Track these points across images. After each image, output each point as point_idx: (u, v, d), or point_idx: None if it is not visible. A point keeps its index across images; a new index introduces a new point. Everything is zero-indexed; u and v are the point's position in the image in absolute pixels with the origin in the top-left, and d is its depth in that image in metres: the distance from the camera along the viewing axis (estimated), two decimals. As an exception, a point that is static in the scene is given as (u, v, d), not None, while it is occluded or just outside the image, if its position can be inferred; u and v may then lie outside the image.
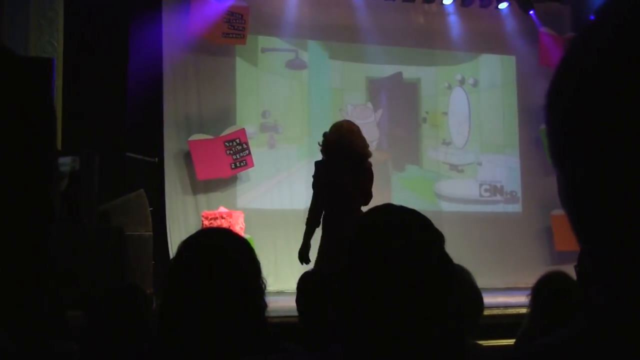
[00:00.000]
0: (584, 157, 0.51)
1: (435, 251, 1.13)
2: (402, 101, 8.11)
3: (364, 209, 3.83)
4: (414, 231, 1.12)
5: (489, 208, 8.17)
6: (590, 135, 0.49)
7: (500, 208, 8.22)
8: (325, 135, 3.96)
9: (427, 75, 8.22)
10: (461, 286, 1.86)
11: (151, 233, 5.21)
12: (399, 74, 8.14)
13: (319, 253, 3.82)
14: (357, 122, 4.02)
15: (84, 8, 6.40)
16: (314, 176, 3.96)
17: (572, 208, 0.53)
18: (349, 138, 3.84)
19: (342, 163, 3.84)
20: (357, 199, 3.81)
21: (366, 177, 3.89)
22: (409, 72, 8.17)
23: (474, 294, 1.93)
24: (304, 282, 2.70)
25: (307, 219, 3.95)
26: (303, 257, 3.90)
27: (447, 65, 8.28)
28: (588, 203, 0.51)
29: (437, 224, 1.19)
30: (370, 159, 4.01)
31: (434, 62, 8.24)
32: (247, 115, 7.56)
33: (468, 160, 8.21)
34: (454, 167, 8.16)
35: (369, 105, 7.98)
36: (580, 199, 0.52)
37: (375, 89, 8.04)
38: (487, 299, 1.95)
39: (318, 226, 3.95)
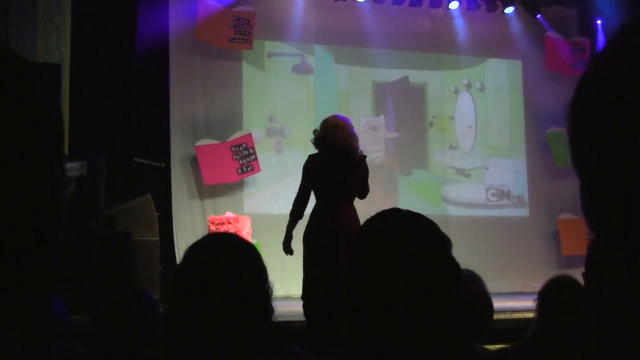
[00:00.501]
0: (612, 165, 0.50)
1: (441, 256, 1.13)
2: (408, 105, 8.11)
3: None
4: (420, 235, 1.12)
5: (496, 212, 8.16)
6: (620, 143, 0.49)
7: (507, 212, 8.20)
8: (314, 131, 4.15)
9: (433, 80, 8.22)
10: (471, 291, 1.85)
11: (158, 238, 5.22)
12: (406, 78, 8.14)
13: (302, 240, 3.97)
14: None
15: (91, 12, 6.42)
16: (303, 169, 4.11)
17: (594, 215, 0.53)
18: (332, 133, 3.99)
19: (330, 157, 3.98)
20: (346, 192, 3.96)
21: (358, 170, 4.01)
22: (416, 76, 8.17)
23: (484, 300, 1.92)
24: (309, 288, 2.67)
25: (291, 210, 4.09)
26: (286, 248, 4.07)
27: (454, 69, 8.27)
28: (614, 210, 0.51)
29: (444, 228, 1.18)
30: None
31: (440, 66, 8.24)
32: (254, 119, 7.57)
33: (475, 164, 8.19)
34: (460, 172, 8.15)
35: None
36: (605, 207, 0.52)
37: (382, 93, 8.04)
38: (495, 303, 1.94)
39: (301, 218, 4.09)
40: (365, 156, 4.10)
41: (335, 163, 3.97)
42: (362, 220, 1.33)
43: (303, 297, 3.93)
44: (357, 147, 4.04)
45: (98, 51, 6.58)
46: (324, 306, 3.30)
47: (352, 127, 4.08)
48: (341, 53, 7.90)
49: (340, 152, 3.98)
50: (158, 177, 6.73)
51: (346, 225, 3.85)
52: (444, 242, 1.14)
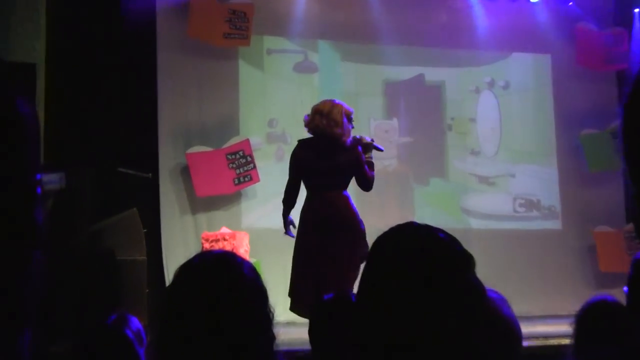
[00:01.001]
0: None
1: (463, 275, 1.13)
2: (424, 107, 8.11)
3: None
4: (439, 253, 1.11)
5: (524, 225, 8.14)
6: None
7: (537, 225, 8.18)
8: (305, 116, 4.65)
9: (451, 78, 8.23)
10: (496, 314, 1.84)
11: (145, 257, 5.24)
12: (420, 76, 8.16)
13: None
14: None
15: (69, 8, 6.44)
16: (290, 155, 4.65)
17: None
18: (313, 119, 4.49)
19: (314, 144, 4.47)
20: (332, 181, 4.41)
21: (345, 157, 4.43)
22: (432, 74, 8.18)
23: (511, 324, 1.91)
24: (317, 313, 2.69)
25: (283, 198, 4.70)
26: (286, 231, 4.75)
27: (474, 66, 8.28)
28: None
29: (465, 243, 1.18)
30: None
31: (459, 63, 8.23)
32: (252, 124, 7.58)
33: (499, 171, 8.19)
34: (483, 180, 8.15)
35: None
36: None
37: (394, 94, 8.04)
38: (524, 329, 1.92)
39: (293, 207, 4.66)
40: (357, 142, 4.48)
41: (317, 150, 4.42)
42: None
43: (290, 293, 4.49)
44: (339, 133, 4.41)
45: (78, 49, 6.59)
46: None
47: (339, 113, 4.46)
48: (348, 49, 7.90)
49: (323, 140, 4.42)
50: (145, 189, 6.71)
51: (335, 215, 4.30)
52: (466, 260, 1.14)
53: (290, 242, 6.94)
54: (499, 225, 8.04)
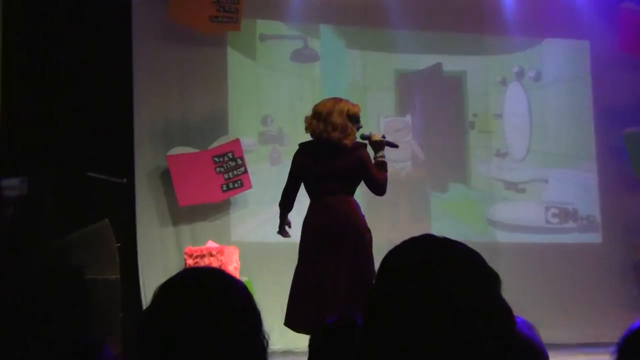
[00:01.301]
0: None
1: (487, 297, 1.12)
2: (442, 101, 8.11)
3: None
4: (459, 270, 1.11)
5: (558, 238, 8.14)
6: None
7: (573, 238, 8.18)
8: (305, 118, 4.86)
9: (474, 68, 8.22)
10: (523, 342, 1.84)
11: (118, 276, 5.24)
12: (438, 66, 8.16)
13: None
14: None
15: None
16: (292, 158, 4.88)
17: None
18: (310, 122, 4.72)
19: (313, 148, 4.72)
20: (333, 185, 4.62)
21: (346, 160, 4.63)
22: (451, 63, 8.17)
23: (539, 354, 1.91)
24: (317, 339, 2.69)
25: (279, 201, 4.94)
26: (281, 233, 5.03)
27: (501, 54, 8.28)
28: None
29: (490, 259, 1.18)
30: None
31: (483, 50, 8.25)
32: (243, 122, 7.58)
33: (530, 176, 8.17)
34: (511, 186, 8.14)
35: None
36: None
37: (407, 86, 8.04)
38: (557, 358, 1.92)
39: (290, 210, 4.92)
40: (361, 144, 4.72)
41: (317, 155, 4.68)
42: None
43: (287, 306, 4.68)
44: (338, 138, 4.62)
45: (39, 37, 6.60)
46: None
47: (340, 114, 4.66)
48: (354, 35, 7.90)
49: (322, 143, 4.66)
50: (119, 197, 6.71)
51: (335, 222, 4.52)
52: (491, 279, 1.14)
53: (288, 259, 7.02)
54: (529, 239, 8.03)
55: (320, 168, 4.67)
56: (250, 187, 7.29)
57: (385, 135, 4.93)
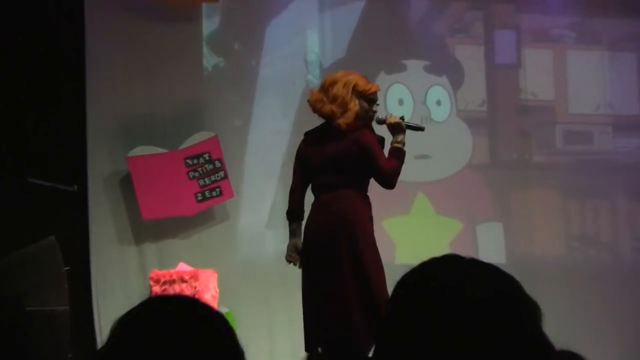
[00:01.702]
0: None
1: (525, 331, 1.13)
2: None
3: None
4: (491, 299, 1.13)
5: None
6: None
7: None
8: None
9: None
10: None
11: (67, 307, 5.24)
12: None
13: None
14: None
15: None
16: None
17: None
18: (313, 96, 4.86)
19: (319, 135, 4.83)
20: (332, 177, 4.69)
21: (344, 145, 4.69)
22: None
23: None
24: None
25: (286, 210, 4.99)
26: (288, 257, 4.99)
27: None
28: None
29: (524, 279, 1.16)
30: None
31: None
32: (222, 115, 7.52)
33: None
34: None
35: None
36: None
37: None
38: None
39: (299, 219, 4.94)
40: (385, 120, 4.78)
41: (316, 139, 4.80)
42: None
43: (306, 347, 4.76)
44: (332, 112, 4.69)
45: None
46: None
47: (343, 86, 4.73)
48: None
49: (323, 125, 4.80)
50: (68, 208, 6.68)
51: (329, 222, 4.60)
52: (529, 311, 1.14)
53: (278, 285, 7.08)
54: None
55: (316, 157, 4.80)
56: (231, 195, 7.22)
57: (404, 116, 4.94)
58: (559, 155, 8.19)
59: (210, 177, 7.21)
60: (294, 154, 5.17)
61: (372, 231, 4.79)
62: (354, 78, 4.78)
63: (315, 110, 4.78)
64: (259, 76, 7.62)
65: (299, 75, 7.64)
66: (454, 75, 7.92)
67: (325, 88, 4.76)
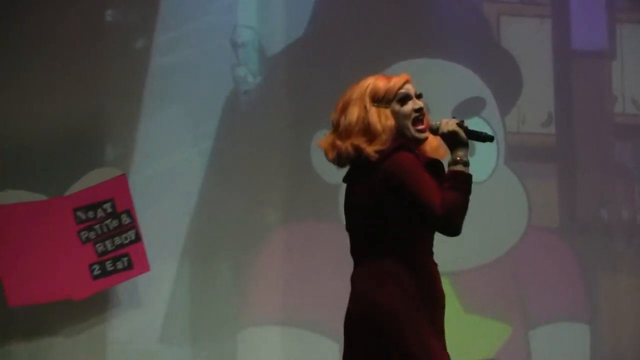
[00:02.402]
0: None
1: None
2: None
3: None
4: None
5: None
6: None
7: None
8: None
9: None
10: None
11: None
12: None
13: None
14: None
15: None
16: None
17: None
18: (323, 144, 4.17)
19: (355, 173, 4.17)
20: (360, 240, 3.93)
21: (367, 189, 3.97)
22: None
23: None
24: None
25: None
26: None
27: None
28: None
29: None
30: None
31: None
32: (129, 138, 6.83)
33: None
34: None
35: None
36: None
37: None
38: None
39: None
40: (437, 130, 3.93)
41: (349, 186, 4.17)
42: None
43: None
44: (358, 147, 3.99)
45: None
46: None
47: (356, 101, 4.00)
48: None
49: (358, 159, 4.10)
50: None
51: (353, 310, 3.86)
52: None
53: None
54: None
55: (346, 213, 4.08)
56: (147, 269, 6.26)
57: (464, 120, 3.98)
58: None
59: (114, 238, 6.40)
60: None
61: (417, 330, 3.64)
62: (369, 83, 3.91)
63: (335, 162, 3.93)
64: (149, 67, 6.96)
65: (221, 67, 6.99)
66: (500, 77, 7.01)
67: (336, 123, 3.96)
